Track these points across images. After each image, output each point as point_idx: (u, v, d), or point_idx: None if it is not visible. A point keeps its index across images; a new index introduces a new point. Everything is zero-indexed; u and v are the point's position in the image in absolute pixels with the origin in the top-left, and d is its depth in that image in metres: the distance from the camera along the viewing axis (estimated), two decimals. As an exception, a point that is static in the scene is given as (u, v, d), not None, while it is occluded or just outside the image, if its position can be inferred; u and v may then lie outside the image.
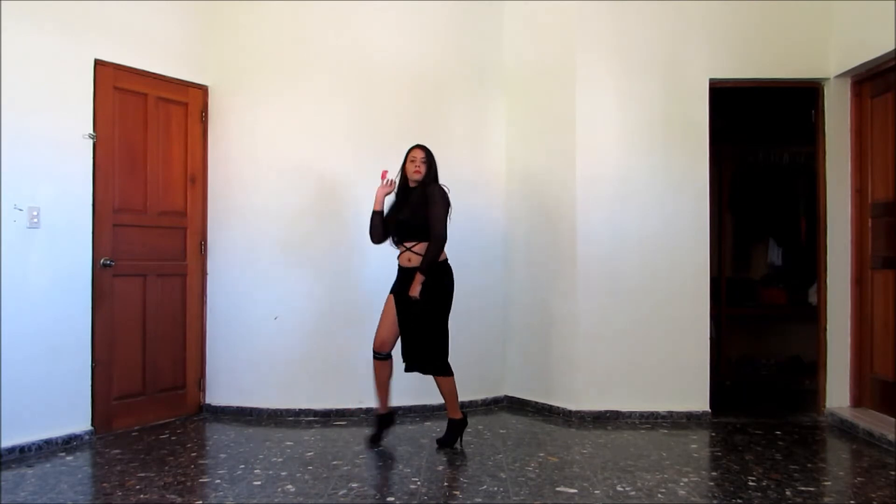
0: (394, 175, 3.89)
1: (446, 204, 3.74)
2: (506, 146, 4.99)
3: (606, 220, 4.52)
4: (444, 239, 3.69)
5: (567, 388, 4.57)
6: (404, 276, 3.80)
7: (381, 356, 3.83)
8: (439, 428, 4.27)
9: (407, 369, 3.80)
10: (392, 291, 3.86)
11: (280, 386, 4.57)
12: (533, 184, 4.83)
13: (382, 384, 3.87)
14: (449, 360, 3.79)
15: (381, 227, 3.86)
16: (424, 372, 3.79)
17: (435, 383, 3.81)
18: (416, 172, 3.80)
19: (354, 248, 4.56)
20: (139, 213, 4.32)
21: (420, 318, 3.72)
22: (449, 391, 3.79)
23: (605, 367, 4.50)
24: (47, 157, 3.81)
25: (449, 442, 3.85)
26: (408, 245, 3.78)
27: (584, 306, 4.52)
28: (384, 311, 3.86)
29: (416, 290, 3.66)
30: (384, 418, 3.94)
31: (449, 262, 3.83)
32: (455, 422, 3.86)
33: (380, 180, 3.86)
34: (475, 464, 3.54)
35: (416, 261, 3.73)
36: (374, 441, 3.90)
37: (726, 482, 3.26)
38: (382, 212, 3.88)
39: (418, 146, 3.87)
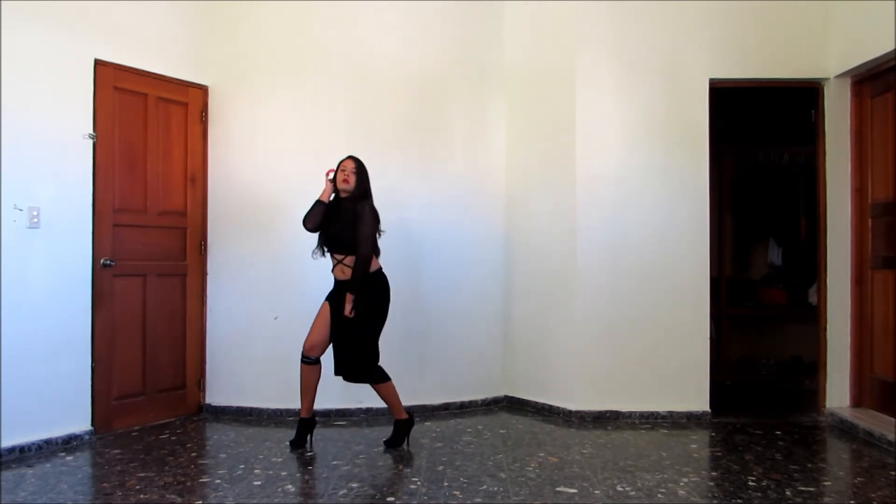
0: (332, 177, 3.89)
1: (375, 221, 3.78)
2: (506, 146, 4.99)
3: (606, 219, 4.52)
4: (368, 258, 3.71)
5: (567, 388, 4.57)
6: (339, 287, 3.81)
7: (310, 360, 3.83)
8: (439, 428, 4.28)
9: (337, 373, 3.83)
10: (328, 298, 3.87)
11: (280, 386, 4.56)
12: (533, 184, 4.83)
13: (309, 388, 3.85)
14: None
15: (320, 218, 3.82)
16: (357, 381, 3.81)
17: (375, 390, 3.85)
18: (344, 182, 3.79)
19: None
20: (139, 213, 4.32)
21: (353, 331, 3.74)
22: (388, 394, 3.81)
23: (605, 367, 4.50)
24: (47, 157, 3.81)
25: (396, 442, 3.86)
26: (338, 258, 3.79)
27: (584, 306, 4.52)
28: (318, 315, 3.85)
29: (348, 310, 3.68)
30: (308, 422, 3.90)
31: (383, 271, 3.85)
32: (401, 422, 3.88)
33: (325, 177, 3.88)
34: (475, 464, 3.54)
35: (347, 273, 3.75)
36: (298, 445, 3.84)
37: (726, 482, 3.26)
38: (326, 204, 3.83)
39: (350, 157, 3.86)
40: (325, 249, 3.86)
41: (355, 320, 3.72)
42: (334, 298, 3.83)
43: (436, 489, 3.15)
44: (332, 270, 3.85)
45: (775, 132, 5.79)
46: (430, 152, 4.81)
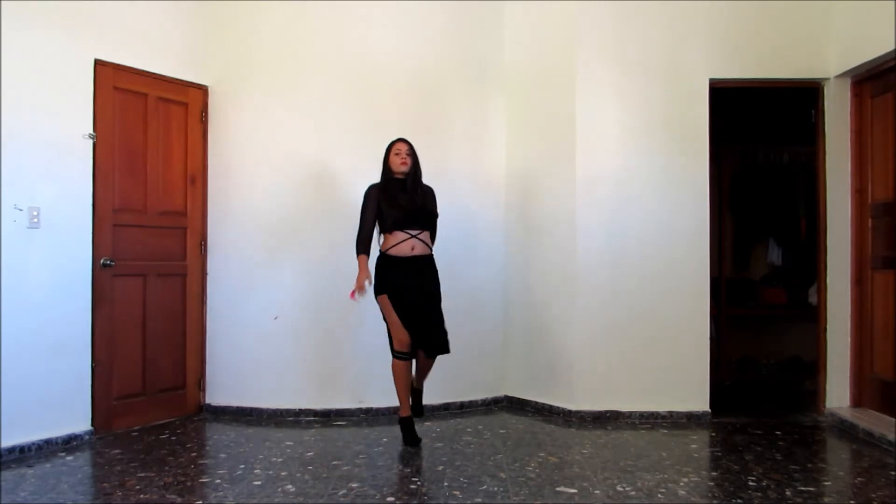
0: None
1: None
2: (506, 146, 4.99)
3: (606, 219, 4.52)
4: None
5: (567, 388, 4.57)
6: (409, 265, 3.80)
7: (407, 356, 3.81)
8: (440, 428, 4.28)
9: (429, 356, 3.86)
10: (390, 289, 3.79)
11: (280, 386, 4.57)
12: (533, 183, 4.83)
13: (408, 384, 3.88)
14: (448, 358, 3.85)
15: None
16: (444, 352, 3.84)
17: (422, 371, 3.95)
18: (403, 164, 3.90)
19: (354, 249, 4.55)
20: (139, 213, 4.32)
21: (437, 307, 3.86)
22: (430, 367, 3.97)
23: (605, 367, 4.50)
24: (47, 157, 3.81)
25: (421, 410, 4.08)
26: (413, 233, 3.83)
27: (583, 306, 4.51)
28: (390, 311, 3.79)
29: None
30: (411, 418, 3.94)
31: None
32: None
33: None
34: (475, 464, 3.54)
35: (419, 249, 3.83)
36: (416, 440, 3.88)
37: (726, 482, 3.26)
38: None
39: (401, 139, 3.96)
40: (397, 227, 3.80)
41: (437, 296, 3.87)
42: (405, 278, 3.78)
43: (436, 489, 3.15)
44: (399, 247, 3.79)
45: (775, 132, 5.80)
46: (430, 152, 4.77)
